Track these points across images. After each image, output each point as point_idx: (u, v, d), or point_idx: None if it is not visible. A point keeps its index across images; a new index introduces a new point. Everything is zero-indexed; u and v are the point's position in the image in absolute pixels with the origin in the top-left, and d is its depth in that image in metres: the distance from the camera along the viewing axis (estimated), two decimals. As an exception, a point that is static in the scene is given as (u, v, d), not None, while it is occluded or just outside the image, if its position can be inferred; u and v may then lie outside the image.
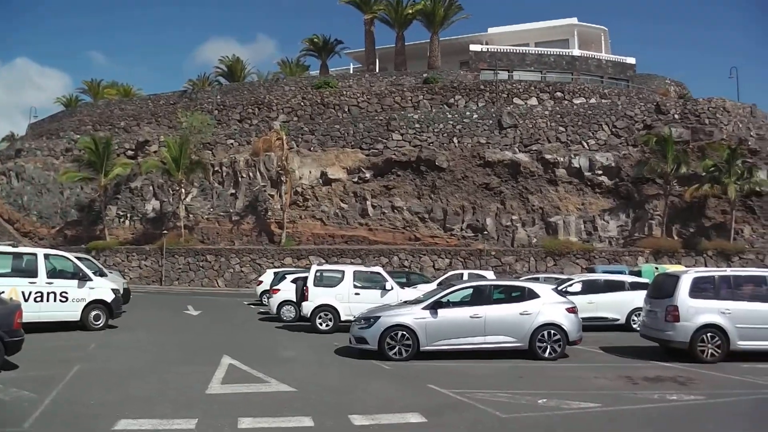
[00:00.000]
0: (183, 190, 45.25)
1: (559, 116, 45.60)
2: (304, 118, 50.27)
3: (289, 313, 22.67)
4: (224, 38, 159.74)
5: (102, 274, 21.90)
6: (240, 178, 46.75)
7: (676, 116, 45.06)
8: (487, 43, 57.66)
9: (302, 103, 51.10)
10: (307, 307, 19.94)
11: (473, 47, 56.33)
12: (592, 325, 19.75)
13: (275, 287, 23.97)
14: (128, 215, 48.75)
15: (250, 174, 46.77)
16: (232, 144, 48.93)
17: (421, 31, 58.56)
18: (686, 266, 32.54)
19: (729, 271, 16.14)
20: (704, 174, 40.87)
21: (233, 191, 46.75)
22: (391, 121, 46.24)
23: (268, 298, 24.43)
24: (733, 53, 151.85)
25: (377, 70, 58.12)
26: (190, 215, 46.30)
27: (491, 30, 60.08)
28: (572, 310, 15.02)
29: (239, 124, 51.74)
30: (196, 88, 59.71)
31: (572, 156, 43.78)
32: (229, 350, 14.79)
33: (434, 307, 14.46)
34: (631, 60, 56.99)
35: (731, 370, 13.29)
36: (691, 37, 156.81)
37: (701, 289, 14.65)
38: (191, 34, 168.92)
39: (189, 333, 19.24)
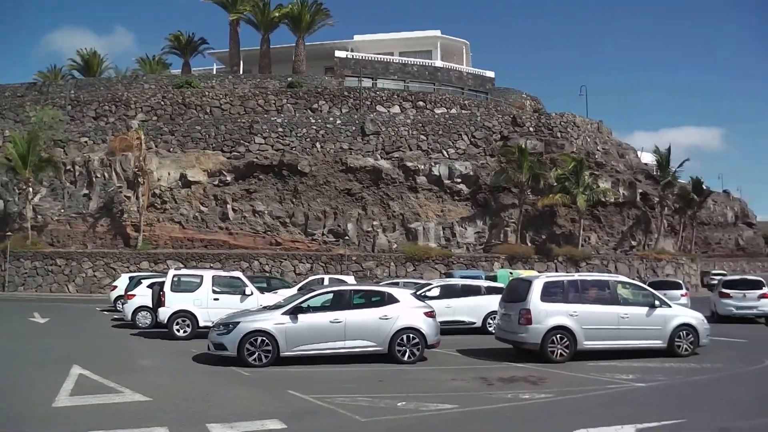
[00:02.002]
0: (31, 190, 42.49)
1: (420, 125, 46.63)
2: (163, 118, 48.60)
3: (144, 319, 21.88)
4: (78, 27, 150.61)
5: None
6: (94, 178, 44.56)
7: (531, 129, 47.29)
8: (352, 50, 58.15)
9: (162, 103, 49.42)
10: (164, 313, 19.31)
11: (339, 53, 56.64)
12: (450, 328, 20.21)
13: (130, 293, 23.03)
14: (-33, 215, 45.26)
15: (106, 174, 44.69)
16: (86, 142, 46.50)
17: (288, 34, 58.34)
18: (538, 271, 34.05)
19: (576, 276, 17.03)
20: (556, 184, 43.15)
21: (87, 192, 44.46)
22: (254, 125, 45.62)
23: (123, 304, 23.46)
24: (584, 73, 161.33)
25: (241, 72, 57.20)
26: (39, 216, 43.62)
27: (357, 37, 60.69)
28: (430, 314, 15.33)
29: (94, 121, 49.20)
30: (48, 81, 56.37)
31: (432, 164, 44.88)
32: (80, 360, 14.05)
33: (294, 312, 14.38)
34: (491, 73, 59.20)
35: (578, 368, 14.03)
36: (546, 56, 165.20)
37: (551, 293, 15.37)
38: (41, 18, 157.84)
39: (34, 342, 18.11)
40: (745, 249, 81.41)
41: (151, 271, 34.64)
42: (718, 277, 39.18)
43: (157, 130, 46.36)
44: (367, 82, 53.39)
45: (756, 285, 26.35)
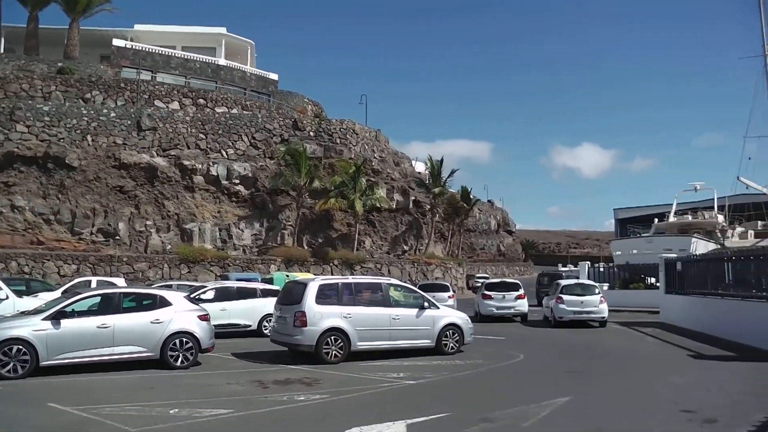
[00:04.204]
0: None
1: (200, 123, 45.56)
2: None
3: None
4: None
5: None
6: None
7: (312, 134, 48.04)
8: (132, 40, 55.37)
9: None
10: None
11: (116, 42, 53.66)
12: (225, 331, 20.07)
13: None
14: None
15: None
16: None
17: (60, 15, 53.98)
18: (314, 274, 34.59)
19: (351, 279, 17.57)
20: (333, 189, 44.12)
21: None
22: (15, 111, 41.82)
23: None
24: (366, 81, 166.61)
25: (2, 51, 52.27)
26: None
27: (138, 27, 57.80)
28: (204, 317, 15.17)
29: None
30: None
31: (211, 164, 44.05)
32: None
33: (57, 318, 13.48)
34: (274, 76, 59.25)
35: (352, 368, 14.47)
36: (330, 62, 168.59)
37: (326, 295, 15.76)
38: None
39: None
40: (505, 254, 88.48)
41: None
42: (482, 280, 42.45)
43: None
44: (146, 75, 51.12)
45: (513, 287, 28.94)
